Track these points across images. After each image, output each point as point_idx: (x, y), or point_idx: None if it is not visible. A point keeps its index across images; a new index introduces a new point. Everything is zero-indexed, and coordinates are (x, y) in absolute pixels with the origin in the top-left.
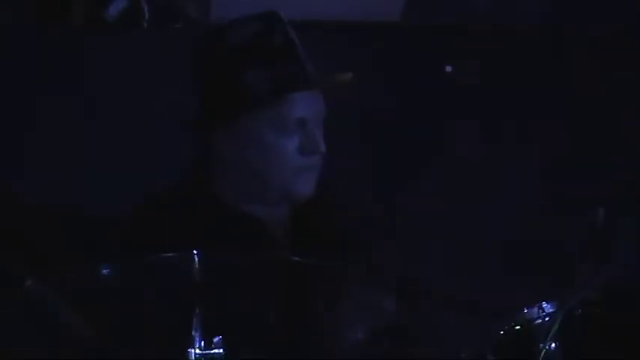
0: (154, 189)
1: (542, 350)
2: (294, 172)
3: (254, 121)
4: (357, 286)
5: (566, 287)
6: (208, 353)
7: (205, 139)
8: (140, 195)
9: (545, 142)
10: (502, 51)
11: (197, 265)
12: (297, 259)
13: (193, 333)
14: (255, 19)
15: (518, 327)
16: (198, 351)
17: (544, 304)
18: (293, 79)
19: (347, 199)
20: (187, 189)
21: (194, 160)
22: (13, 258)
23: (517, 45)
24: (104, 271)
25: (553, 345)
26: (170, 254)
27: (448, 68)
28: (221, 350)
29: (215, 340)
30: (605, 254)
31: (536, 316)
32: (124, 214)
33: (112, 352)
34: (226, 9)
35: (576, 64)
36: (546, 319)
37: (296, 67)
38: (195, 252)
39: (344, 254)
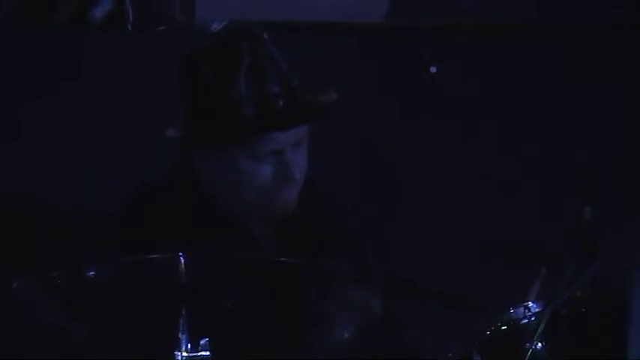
0: (139, 189)
1: (528, 350)
2: (269, 196)
3: (228, 147)
4: (344, 285)
5: (553, 287)
6: (195, 356)
7: (185, 154)
8: (125, 195)
9: (532, 140)
10: (488, 49)
11: (183, 267)
12: (283, 259)
13: (180, 335)
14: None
15: (504, 327)
16: (184, 353)
17: (530, 304)
18: (271, 119)
19: (334, 198)
20: (174, 189)
21: (176, 167)
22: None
23: (502, 43)
24: (90, 273)
25: (539, 344)
26: (156, 256)
27: (433, 69)
28: (208, 352)
29: (202, 342)
30: (591, 253)
31: (522, 315)
32: (111, 214)
33: (98, 354)
34: (211, 11)
35: (563, 60)
36: (532, 318)
37: (281, 105)
38: (180, 254)
39: (332, 254)
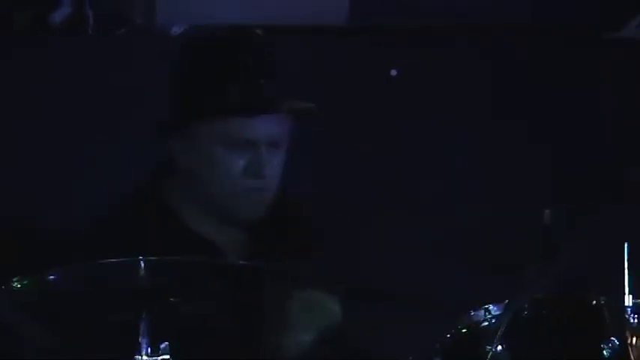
0: (107, 198)
1: (489, 353)
2: (239, 193)
3: (205, 133)
4: (304, 288)
5: (513, 289)
6: (155, 359)
7: (160, 143)
8: (92, 204)
9: (496, 143)
10: (447, 51)
11: (143, 271)
12: (243, 263)
13: (140, 339)
14: (226, 30)
15: (465, 330)
16: (145, 357)
17: (491, 306)
18: (247, 102)
19: (300, 201)
20: (141, 199)
21: (148, 171)
22: None
23: (463, 45)
24: (51, 277)
25: (500, 347)
26: (117, 260)
27: (393, 72)
28: (168, 356)
29: (162, 346)
30: (552, 255)
31: (483, 318)
32: (76, 223)
33: (59, 358)
34: (171, 14)
35: (526, 63)
36: (493, 321)
37: (254, 90)
38: (141, 257)
39: (298, 259)
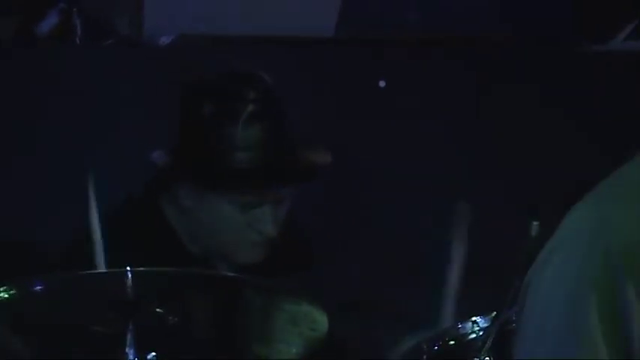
0: (102, 209)
1: None
2: (241, 242)
3: (212, 193)
4: (291, 300)
5: (501, 301)
6: None
7: (164, 181)
8: (83, 215)
9: (481, 154)
10: (434, 62)
11: (130, 282)
12: (230, 274)
13: (127, 349)
14: (248, 90)
15: (452, 342)
16: None
17: (478, 319)
18: (261, 176)
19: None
20: (137, 210)
21: (147, 187)
22: None
23: (449, 56)
24: (38, 287)
25: (487, 359)
26: (103, 270)
27: (382, 83)
28: None
29: (149, 356)
30: None
31: (470, 330)
32: (67, 233)
33: None
34: (159, 25)
35: (509, 75)
36: (480, 333)
37: (275, 161)
38: (128, 268)
39: (285, 272)
